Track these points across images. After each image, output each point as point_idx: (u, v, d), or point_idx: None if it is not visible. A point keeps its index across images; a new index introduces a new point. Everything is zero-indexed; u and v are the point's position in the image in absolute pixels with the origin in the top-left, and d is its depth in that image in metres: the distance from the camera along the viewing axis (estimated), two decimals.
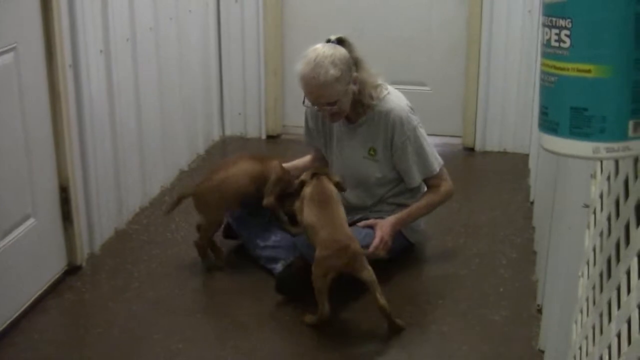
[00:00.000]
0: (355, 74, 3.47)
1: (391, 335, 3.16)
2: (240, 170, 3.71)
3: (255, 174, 3.70)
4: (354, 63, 3.49)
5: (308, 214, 3.33)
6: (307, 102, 3.50)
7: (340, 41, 3.49)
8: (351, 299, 3.41)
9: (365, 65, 3.55)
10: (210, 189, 3.67)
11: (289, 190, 3.66)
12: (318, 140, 3.82)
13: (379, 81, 3.60)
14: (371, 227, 3.54)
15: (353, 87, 3.47)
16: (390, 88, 3.64)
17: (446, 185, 3.69)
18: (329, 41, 3.49)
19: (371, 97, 3.54)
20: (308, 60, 3.39)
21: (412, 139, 3.55)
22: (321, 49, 3.42)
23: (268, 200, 3.66)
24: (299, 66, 3.42)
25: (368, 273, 3.16)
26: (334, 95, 3.41)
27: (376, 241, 3.45)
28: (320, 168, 3.59)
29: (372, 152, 3.61)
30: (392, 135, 3.54)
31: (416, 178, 3.61)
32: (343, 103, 3.46)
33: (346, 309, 3.34)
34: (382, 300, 3.12)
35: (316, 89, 3.39)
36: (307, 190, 3.40)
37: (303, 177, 3.49)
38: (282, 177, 3.68)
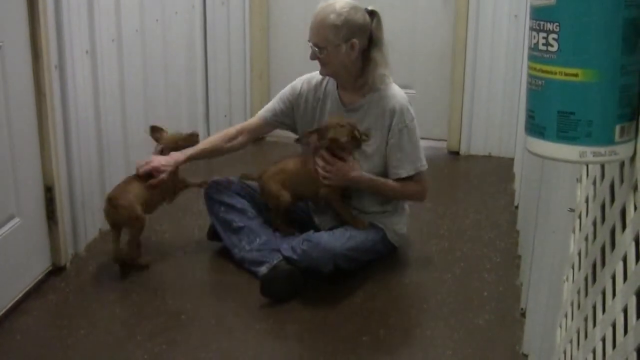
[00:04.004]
0: (355, 40, 3.48)
1: (372, 338, 3.17)
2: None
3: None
4: (371, 39, 3.54)
5: None
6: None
7: (371, 13, 3.54)
8: (338, 304, 3.41)
9: (384, 49, 3.59)
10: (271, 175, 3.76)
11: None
12: (280, 121, 3.85)
13: (389, 74, 3.63)
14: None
15: (347, 50, 3.49)
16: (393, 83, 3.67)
17: (422, 187, 3.70)
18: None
19: (377, 80, 3.57)
20: (327, 0, 3.51)
21: (410, 128, 3.56)
22: (345, 1, 3.50)
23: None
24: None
25: (139, 223, 3.63)
26: (322, 39, 3.48)
27: (332, 165, 3.54)
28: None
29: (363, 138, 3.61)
30: (390, 121, 3.56)
31: (406, 168, 3.59)
32: (329, 55, 3.50)
33: (332, 313, 3.34)
34: (125, 247, 3.65)
35: (314, 23, 3.50)
36: None
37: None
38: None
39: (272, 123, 3.87)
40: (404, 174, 3.61)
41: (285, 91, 3.82)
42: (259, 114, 3.91)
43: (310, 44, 3.53)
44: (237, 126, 3.93)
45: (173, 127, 4.92)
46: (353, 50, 3.50)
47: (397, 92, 3.60)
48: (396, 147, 3.57)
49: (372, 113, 3.59)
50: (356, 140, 3.51)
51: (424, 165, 3.64)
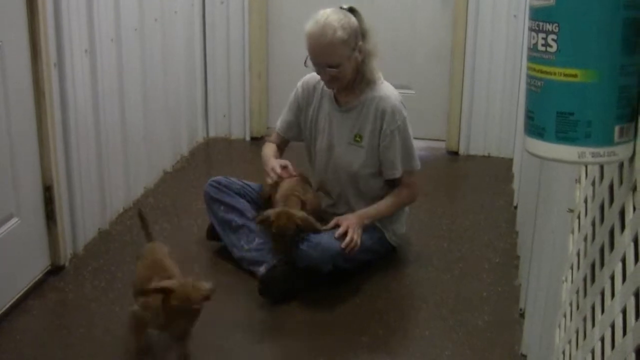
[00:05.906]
0: (360, 42, 3.48)
1: (371, 338, 3.17)
2: None
3: None
4: (362, 34, 3.52)
5: None
6: (309, 62, 3.50)
7: (351, 10, 3.52)
8: (337, 304, 3.41)
9: (372, 38, 3.57)
10: None
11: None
12: (297, 131, 3.84)
13: (378, 68, 3.62)
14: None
15: (357, 55, 3.49)
16: (385, 81, 3.66)
17: (415, 188, 3.73)
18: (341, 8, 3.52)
19: (369, 73, 3.56)
20: (317, 20, 3.43)
21: (401, 129, 3.56)
22: (331, 12, 3.45)
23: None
24: (308, 25, 3.44)
25: None
26: (337, 57, 3.44)
27: (347, 240, 3.45)
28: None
29: (357, 139, 3.61)
30: (381, 122, 3.55)
31: (399, 169, 3.61)
32: (345, 68, 3.48)
33: (331, 313, 3.34)
34: None
35: (321, 48, 3.42)
36: None
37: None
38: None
39: (288, 138, 3.91)
40: (397, 174, 3.62)
41: (290, 98, 3.82)
42: (276, 129, 3.92)
43: (315, 66, 3.49)
44: (273, 146, 3.90)
45: (171, 126, 4.92)
46: (361, 53, 3.50)
47: (390, 93, 3.59)
48: (389, 149, 3.57)
49: (365, 113, 3.58)
50: (305, 226, 3.48)
51: (417, 164, 3.66)
